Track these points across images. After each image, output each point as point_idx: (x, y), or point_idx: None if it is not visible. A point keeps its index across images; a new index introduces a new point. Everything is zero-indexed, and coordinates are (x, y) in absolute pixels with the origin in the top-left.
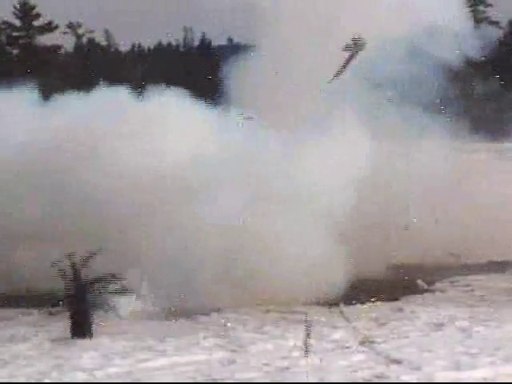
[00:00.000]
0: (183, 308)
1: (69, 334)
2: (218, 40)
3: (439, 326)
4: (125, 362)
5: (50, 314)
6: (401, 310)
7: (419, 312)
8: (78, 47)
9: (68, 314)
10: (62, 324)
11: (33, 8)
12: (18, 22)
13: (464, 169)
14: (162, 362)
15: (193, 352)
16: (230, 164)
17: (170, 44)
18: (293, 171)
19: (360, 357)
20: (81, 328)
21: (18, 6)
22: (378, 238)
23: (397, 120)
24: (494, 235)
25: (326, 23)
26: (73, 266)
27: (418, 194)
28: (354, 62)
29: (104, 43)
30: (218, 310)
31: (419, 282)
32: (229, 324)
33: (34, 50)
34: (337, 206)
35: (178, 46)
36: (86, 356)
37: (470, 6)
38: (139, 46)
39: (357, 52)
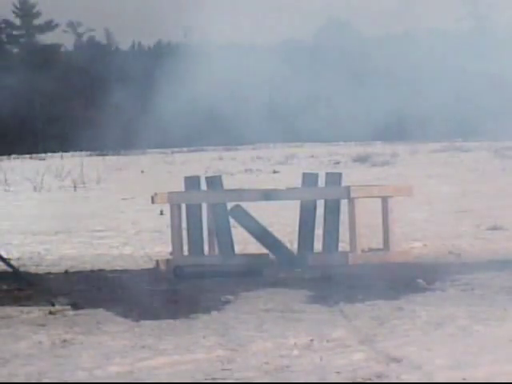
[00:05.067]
0: None
1: (69, 333)
2: None
3: (439, 324)
4: (125, 361)
5: (50, 312)
6: (401, 309)
7: (419, 311)
8: (78, 46)
9: (69, 312)
10: (62, 322)
11: (33, 6)
12: (18, 21)
13: None
14: (161, 360)
15: (192, 351)
16: None
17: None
18: None
19: (360, 356)
20: None
21: (18, 5)
22: None
23: None
24: None
25: None
26: None
27: None
28: None
29: (104, 42)
30: (218, 309)
31: (419, 280)
32: None
33: (34, 49)
34: None
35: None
36: (86, 355)
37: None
38: (139, 44)
39: None
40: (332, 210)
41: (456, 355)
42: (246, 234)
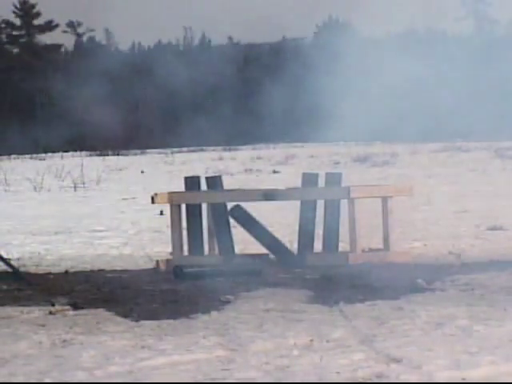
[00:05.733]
0: None
1: (69, 333)
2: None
3: (439, 324)
4: (125, 361)
5: (50, 312)
6: (401, 308)
7: (419, 311)
8: (78, 46)
9: (69, 312)
10: (62, 322)
11: (33, 7)
12: (18, 21)
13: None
14: (161, 360)
15: (192, 351)
16: None
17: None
18: None
19: (360, 356)
20: None
21: (18, 5)
22: None
23: None
24: None
25: None
26: None
27: None
28: None
29: (104, 42)
30: (218, 309)
31: (419, 280)
32: None
33: (34, 49)
34: None
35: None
36: (86, 355)
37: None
38: (139, 44)
39: None
40: (332, 210)
41: (456, 355)
42: (246, 234)
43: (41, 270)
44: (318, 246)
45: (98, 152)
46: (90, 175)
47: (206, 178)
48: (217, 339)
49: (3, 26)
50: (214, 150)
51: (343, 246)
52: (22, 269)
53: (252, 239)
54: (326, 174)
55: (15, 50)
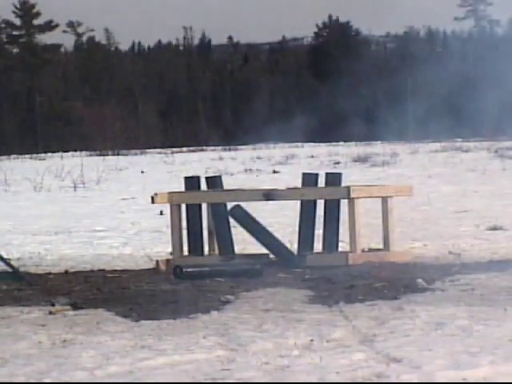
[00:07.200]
0: None
1: (69, 333)
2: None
3: (439, 324)
4: (125, 361)
5: (50, 312)
6: (401, 308)
7: (419, 311)
8: (78, 46)
9: (69, 312)
10: (62, 322)
11: (33, 7)
12: (17, 21)
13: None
14: (161, 360)
15: (192, 351)
16: None
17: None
18: None
19: (360, 356)
20: None
21: (18, 5)
22: None
23: None
24: None
25: None
26: None
27: None
28: None
29: (104, 42)
30: (218, 309)
31: (419, 280)
32: None
33: (34, 49)
34: None
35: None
36: (86, 355)
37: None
38: (139, 44)
39: None
40: (332, 209)
41: (456, 355)
42: (246, 234)
43: (41, 270)
44: (317, 246)
45: (98, 152)
46: (89, 175)
47: (206, 178)
48: (217, 339)
49: (3, 26)
50: (214, 150)
51: (343, 246)
52: (22, 269)
53: (252, 239)
54: (326, 173)
55: (15, 50)
